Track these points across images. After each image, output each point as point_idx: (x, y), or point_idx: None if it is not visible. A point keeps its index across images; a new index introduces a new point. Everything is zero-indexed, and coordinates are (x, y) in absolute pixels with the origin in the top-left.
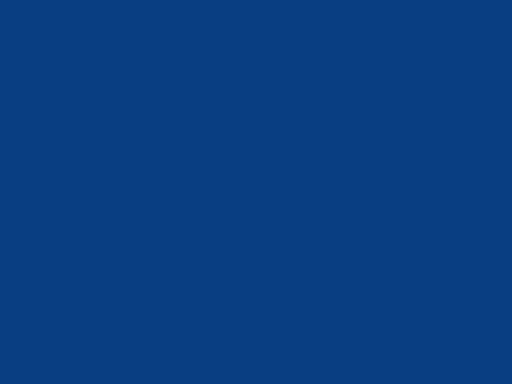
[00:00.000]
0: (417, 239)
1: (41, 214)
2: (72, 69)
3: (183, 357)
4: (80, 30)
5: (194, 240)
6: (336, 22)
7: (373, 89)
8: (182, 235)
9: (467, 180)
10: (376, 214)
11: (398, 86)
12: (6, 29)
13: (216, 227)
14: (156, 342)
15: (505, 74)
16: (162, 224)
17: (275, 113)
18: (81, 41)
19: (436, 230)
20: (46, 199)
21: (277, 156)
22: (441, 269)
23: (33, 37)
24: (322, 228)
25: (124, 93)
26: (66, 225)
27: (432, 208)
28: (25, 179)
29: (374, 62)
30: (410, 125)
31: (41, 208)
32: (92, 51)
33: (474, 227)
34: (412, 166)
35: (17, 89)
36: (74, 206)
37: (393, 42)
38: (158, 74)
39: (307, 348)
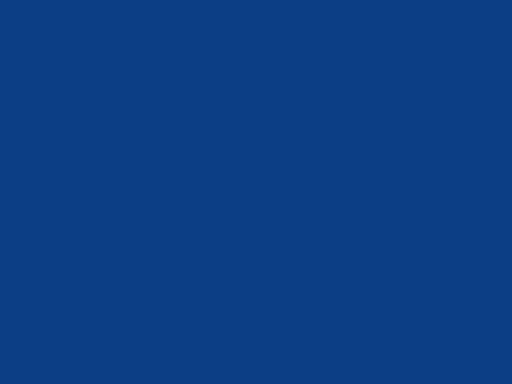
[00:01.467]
0: (417, 239)
1: (41, 214)
2: (72, 69)
3: (183, 357)
4: (80, 30)
5: (194, 240)
6: (336, 22)
7: (373, 89)
8: (182, 235)
9: (467, 180)
10: (376, 214)
11: (398, 86)
12: (6, 29)
13: (216, 227)
14: (156, 342)
15: (505, 73)
16: (162, 224)
17: (275, 113)
18: (81, 41)
19: (436, 230)
20: (46, 199)
21: (277, 156)
22: (441, 269)
23: (33, 37)
24: (322, 228)
25: (124, 92)
26: (66, 225)
27: (432, 208)
28: (25, 179)
29: (374, 62)
30: (410, 125)
31: (41, 208)
32: (92, 51)
33: (474, 227)
34: (412, 166)
35: (17, 89)
36: (73, 206)
37: (393, 42)
38: (158, 74)
39: (307, 348)
